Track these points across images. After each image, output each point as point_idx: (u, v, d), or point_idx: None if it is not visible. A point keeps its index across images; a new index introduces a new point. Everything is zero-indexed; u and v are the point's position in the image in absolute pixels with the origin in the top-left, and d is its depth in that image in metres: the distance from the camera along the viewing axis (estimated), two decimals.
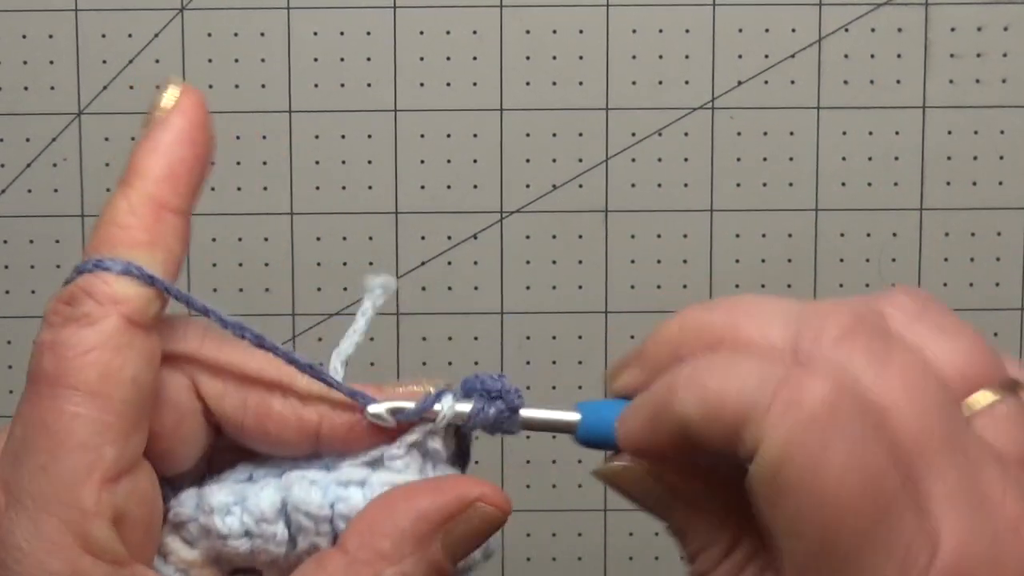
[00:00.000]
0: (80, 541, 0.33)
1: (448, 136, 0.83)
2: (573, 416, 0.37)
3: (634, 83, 0.83)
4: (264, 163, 0.83)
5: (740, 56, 0.82)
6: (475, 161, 0.83)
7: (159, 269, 0.36)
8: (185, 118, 0.36)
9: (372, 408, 0.37)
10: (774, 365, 0.32)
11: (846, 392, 0.32)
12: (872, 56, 0.82)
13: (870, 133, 0.83)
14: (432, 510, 0.36)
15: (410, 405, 0.37)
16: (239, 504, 0.36)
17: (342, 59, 0.82)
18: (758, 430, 0.32)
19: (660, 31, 0.82)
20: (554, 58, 0.82)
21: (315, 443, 0.37)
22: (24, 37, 0.82)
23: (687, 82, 0.83)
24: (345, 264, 0.84)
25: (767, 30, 0.82)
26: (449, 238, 0.83)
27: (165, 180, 0.36)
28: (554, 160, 0.83)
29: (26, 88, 0.82)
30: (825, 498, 0.31)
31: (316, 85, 0.82)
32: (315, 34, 0.82)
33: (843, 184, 0.83)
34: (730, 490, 0.35)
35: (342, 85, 0.82)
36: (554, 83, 0.83)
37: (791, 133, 0.83)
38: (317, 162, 0.83)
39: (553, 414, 0.37)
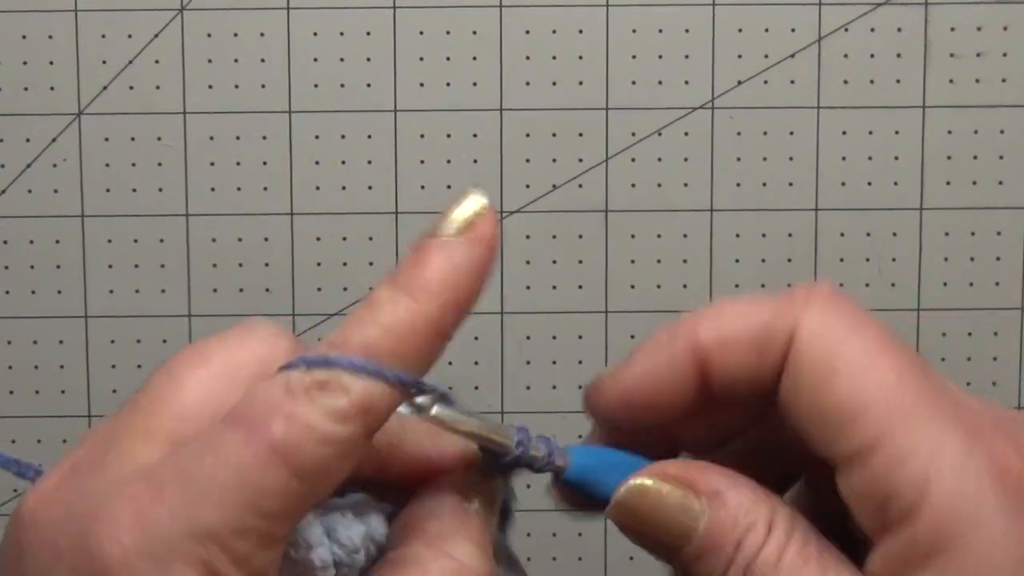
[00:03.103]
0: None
1: (448, 136, 0.83)
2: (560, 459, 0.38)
3: (634, 83, 0.83)
4: (264, 163, 0.83)
5: (740, 56, 0.82)
6: (475, 161, 0.83)
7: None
8: (488, 250, 0.34)
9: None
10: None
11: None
12: (872, 56, 0.82)
13: (870, 133, 0.83)
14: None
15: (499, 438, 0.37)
16: (327, 535, 0.36)
17: (342, 59, 0.82)
18: (788, 322, 0.34)
19: (660, 31, 0.82)
20: (554, 58, 0.82)
21: (383, 469, 0.37)
22: (24, 37, 0.82)
23: (687, 82, 0.83)
24: (345, 264, 0.83)
25: (767, 30, 0.82)
26: None
27: (453, 313, 0.34)
28: (554, 160, 0.83)
29: (26, 88, 0.82)
30: (877, 348, 0.33)
31: (316, 85, 0.82)
32: (315, 34, 0.82)
33: (843, 184, 0.83)
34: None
35: (342, 85, 0.82)
36: (554, 83, 0.83)
37: (791, 133, 0.83)
38: (317, 162, 0.83)
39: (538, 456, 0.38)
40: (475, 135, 0.83)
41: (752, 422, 0.38)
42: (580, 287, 0.84)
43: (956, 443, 0.32)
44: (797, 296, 0.34)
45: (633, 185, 0.83)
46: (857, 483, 0.33)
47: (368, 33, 0.82)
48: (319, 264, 0.84)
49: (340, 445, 0.32)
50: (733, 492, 0.35)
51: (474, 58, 0.82)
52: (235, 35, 0.82)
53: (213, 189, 0.83)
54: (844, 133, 0.83)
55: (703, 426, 0.38)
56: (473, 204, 0.34)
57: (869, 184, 0.83)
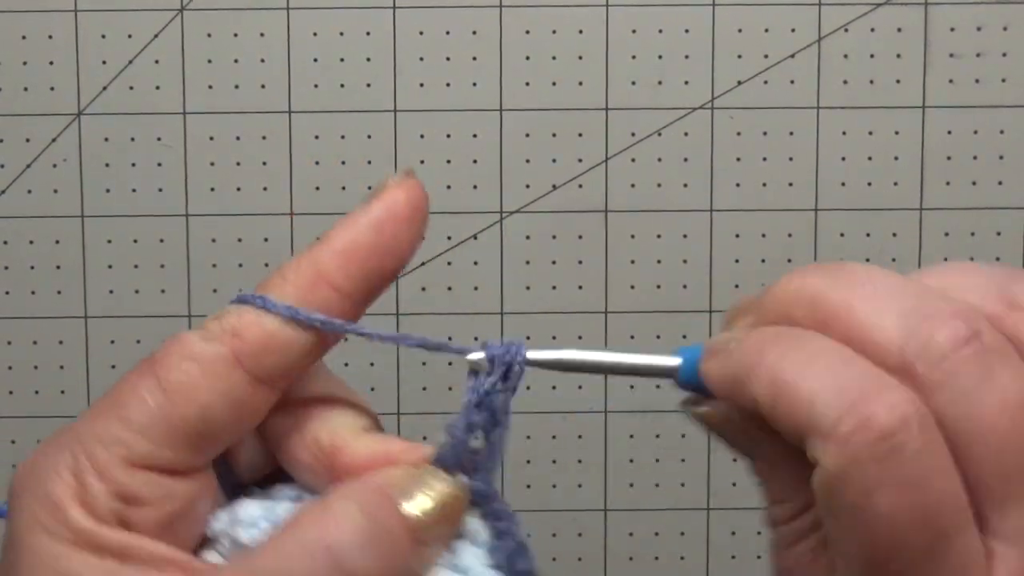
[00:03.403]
0: (76, 482, 0.34)
1: (448, 136, 0.83)
2: (674, 360, 0.37)
3: (634, 83, 0.83)
4: (264, 163, 0.83)
5: (740, 56, 0.82)
6: (475, 161, 0.83)
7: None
8: (385, 207, 0.36)
9: (471, 356, 0.38)
10: (857, 377, 0.32)
11: (924, 419, 0.31)
12: (872, 56, 0.82)
13: (870, 133, 0.83)
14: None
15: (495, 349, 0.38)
16: (266, 518, 0.36)
17: (342, 59, 0.82)
18: (821, 446, 0.32)
19: (660, 31, 0.82)
20: (554, 58, 0.82)
21: (331, 471, 0.36)
22: (24, 37, 0.82)
23: (687, 82, 0.83)
24: None
25: (767, 30, 0.82)
26: (449, 238, 0.83)
27: (338, 255, 0.35)
28: (554, 160, 0.83)
29: (26, 88, 0.82)
30: (876, 528, 0.31)
31: (316, 85, 0.82)
32: (315, 34, 0.82)
33: (843, 184, 0.83)
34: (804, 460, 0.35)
35: (342, 85, 0.82)
36: (554, 83, 0.83)
37: (791, 133, 0.83)
38: (317, 162, 0.83)
39: (654, 359, 0.37)
40: (475, 135, 0.83)
41: None
42: (580, 287, 0.84)
43: None
44: (849, 415, 0.32)
45: (633, 185, 0.83)
46: None
47: (368, 33, 0.82)
48: None
49: (203, 362, 0.34)
50: (781, 469, 0.35)
51: (474, 58, 0.82)
52: (235, 35, 0.82)
53: (213, 189, 0.83)
54: (844, 133, 0.83)
55: None
56: (390, 177, 0.37)
57: (869, 184, 0.83)
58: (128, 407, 0.34)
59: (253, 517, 0.36)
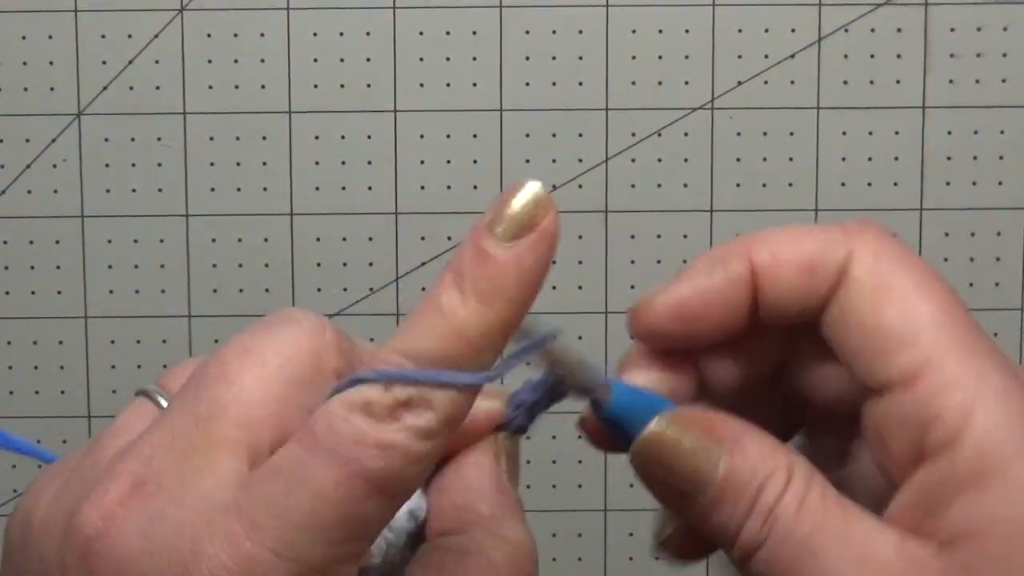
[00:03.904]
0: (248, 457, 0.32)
1: (448, 136, 0.83)
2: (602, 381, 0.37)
3: (634, 83, 0.83)
4: (264, 163, 0.83)
5: (740, 56, 0.82)
6: (475, 161, 0.83)
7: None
8: (552, 246, 0.33)
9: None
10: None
11: None
12: (872, 56, 0.82)
13: (870, 133, 0.83)
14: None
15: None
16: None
17: (342, 59, 0.82)
18: (841, 250, 0.36)
19: (660, 31, 0.82)
20: (554, 58, 0.82)
21: None
22: (24, 38, 0.82)
23: (687, 82, 0.83)
24: (345, 264, 0.84)
25: (767, 30, 0.82)
26: (449, 238, 0.83)
27: (522, 313, 0.34)
28: (554, 160, 0.83)
29: (26, 88, 0.82)
30: (926, 281, 0.35)
31: (316, 85, 0.82)
32: (315, 34, 0.82)
33: (843, 184, 0.83)
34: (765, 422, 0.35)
35: (342, 86, 0.82)
36: (554, 83, 0.83)
37: (791, 133, 0.83)
38: (317, 162, 0.83)
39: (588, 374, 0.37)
40: (475, 135, 0.83)
41: (777, 365, 0.37)
42: (580, 287, 0.84)
43: (999, 377, 0.33)
44: (850, 227, 0.36)
45: (633, 185, 0.83)
46: (898, 408, 0.33)
47: (368, 33, 0.82)
48: (319, 264, 0.84)
49: (427, 460, 0.32)
50: (753, 440, 0.34)
51: (474, 58, 0.82)
52: (235, 35, 0.82)
53: (213, 189, 0.83)
54: (844, 133, 0.83)
55: (733, 364, 0.37)
56: (533, 197, 0.33)
57: (869, 184, 0.83)
58: (366, 526, 0.32)
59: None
